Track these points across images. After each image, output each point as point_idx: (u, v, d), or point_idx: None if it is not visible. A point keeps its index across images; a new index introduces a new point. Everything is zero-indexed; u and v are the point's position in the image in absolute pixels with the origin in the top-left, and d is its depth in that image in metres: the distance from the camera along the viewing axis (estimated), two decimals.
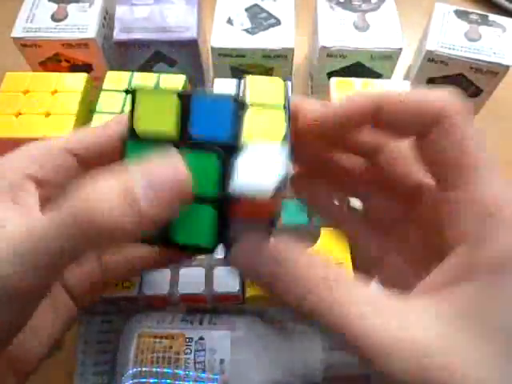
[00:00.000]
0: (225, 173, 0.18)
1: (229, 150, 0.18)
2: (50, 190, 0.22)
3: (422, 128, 0.19)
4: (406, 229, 0.23)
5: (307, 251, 0.18)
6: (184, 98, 0.18)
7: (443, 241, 0.19)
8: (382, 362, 0.16)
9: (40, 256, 0.17)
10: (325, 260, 0.18)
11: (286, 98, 0.20)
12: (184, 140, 0.18)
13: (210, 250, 0.19)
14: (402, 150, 0.23)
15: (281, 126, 0.19)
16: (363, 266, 0.26)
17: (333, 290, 0.17)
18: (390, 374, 0.15)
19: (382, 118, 0.20)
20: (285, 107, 0.20)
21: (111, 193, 0.16)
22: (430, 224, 0.21)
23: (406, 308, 0.17)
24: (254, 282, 0.19)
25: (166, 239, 0.19)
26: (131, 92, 0.19)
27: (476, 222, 0.18)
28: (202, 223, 0.19)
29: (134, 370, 0.33)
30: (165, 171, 0.17)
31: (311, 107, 0.22)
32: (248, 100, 0.20)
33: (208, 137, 0.18)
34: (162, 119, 0.18)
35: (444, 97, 0.19)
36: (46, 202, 0.21)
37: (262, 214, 0.18)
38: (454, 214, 0.19)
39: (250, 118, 0.19)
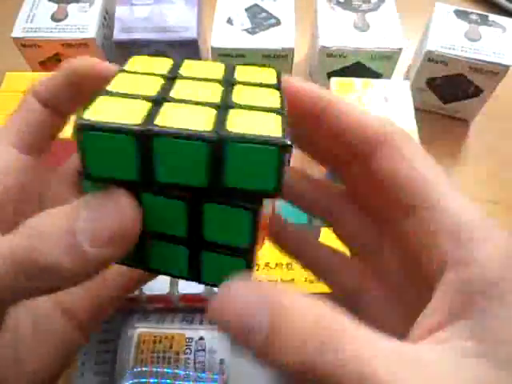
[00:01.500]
0: (193, 215, 0.16)
1: (202, 192, 0.16)
2: (11, 190, 0.21)
3: (371, 143, 0.19)
4: (381, 258, 0.22)
5: (297, 292, 0.15)
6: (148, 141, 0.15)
7: (422, 266, 0.18)
8: None
9: None
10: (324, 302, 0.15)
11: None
12: (147, 183, 0.16)
13: (187, 278, 0.19)
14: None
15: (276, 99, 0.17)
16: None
17: (351, 344, 0.14)
18: None
19: (328, 120, 0.20)
20: (278, 89, 0.18)
21: (54, 232, 0.16)
22: (405, 254, 0.20)
23: (431, 358, 0.15)
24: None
25: (143, 264, 0.19)
26: (76, 129, 0.16)
27: (452, 243, 0.17)
28: (176, 258, 0.18)
29: (134, 370, 0.33)
30: (111, 213, 0.16)
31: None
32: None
33: (244, 186, 0.15)
34: (119, 163, 0.16)
35: (386, 120, 0.19)
36: None
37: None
38: (427, 238, 0.18)
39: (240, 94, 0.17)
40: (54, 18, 0.50)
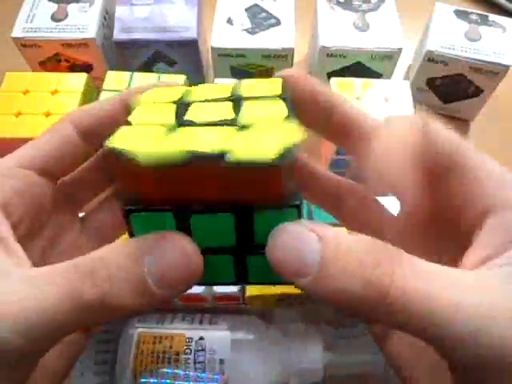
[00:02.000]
0: (241, 227, 0.18)
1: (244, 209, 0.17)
2: (25, 212, 0.21)
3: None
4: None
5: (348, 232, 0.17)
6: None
7: (462, 218, 0.19)
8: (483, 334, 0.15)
9: (40, 328, 0.16)
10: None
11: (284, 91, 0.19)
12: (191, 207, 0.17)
13: (234, 283, 0.20)
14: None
15: (282, 108, 0.18)
16: None
17: (411, 266, 0.16)
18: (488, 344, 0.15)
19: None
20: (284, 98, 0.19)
21: (124, 276, 0.16)
22: (440, 213, 0.21)
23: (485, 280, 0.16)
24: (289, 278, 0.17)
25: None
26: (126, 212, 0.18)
27: (496, 190, 0.18)
28: (222, 268, 0.19)
29: (134, 369, 0.33)
30: (177, 259, 0.17)
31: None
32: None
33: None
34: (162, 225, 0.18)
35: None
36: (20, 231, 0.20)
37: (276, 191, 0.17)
38: (468, 188, 0.19)
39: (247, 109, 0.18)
40: (54, 18, 0.50)
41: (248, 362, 0.33)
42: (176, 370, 0.32)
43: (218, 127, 0.17)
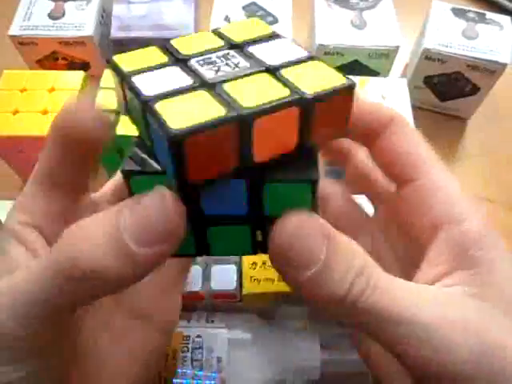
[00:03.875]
0: (253, 192, 0.17)
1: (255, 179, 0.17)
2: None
3: (376, 127, 0.21)
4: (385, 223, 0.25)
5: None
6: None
7: (416, 229, 0.21)
8: (445, 353, 0.16)
9: (32, 308, 0.16)
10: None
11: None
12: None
13: (253, 253, 0.19)
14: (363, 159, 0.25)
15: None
16: None
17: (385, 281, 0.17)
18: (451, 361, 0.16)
19: None
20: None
21: (97, 235, 0.15)
22: (401, 221, 0.22)
23: (438, 294, 0.18)
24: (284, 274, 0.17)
25: (202, 252, 0.19)
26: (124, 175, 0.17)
27: (443, 208, 0.19)
28: (238, 239, 0.19)
29: None
30: (155, 209, 0.15)
31: None
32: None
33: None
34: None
35: (389, 108, 0.22)
36: None
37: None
38: (422, 205, 0.20)
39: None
40: (52, 15, 0.49)
41: (245, 360, 0.33)
42: (173, 368, 0.33)
43: (259, 74, 0.17)
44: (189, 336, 0.33)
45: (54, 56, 0.50)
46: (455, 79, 0.51)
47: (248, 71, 0.17)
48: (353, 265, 0.17)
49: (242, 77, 0.16)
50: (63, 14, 0.50)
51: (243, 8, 0.51)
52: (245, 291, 0.34)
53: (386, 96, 0.45)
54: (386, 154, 0.21)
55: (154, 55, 0.18)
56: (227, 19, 0.50)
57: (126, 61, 0.18)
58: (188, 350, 0.33)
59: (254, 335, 0.34)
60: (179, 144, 0.14)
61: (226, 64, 0.17)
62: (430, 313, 0.17)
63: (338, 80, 0.16)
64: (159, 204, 0.15)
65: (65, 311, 0.17)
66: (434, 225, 0.20)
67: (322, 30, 0.49)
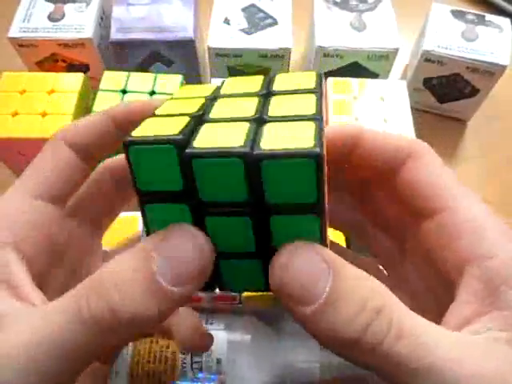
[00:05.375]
0: (259, 229, 0.17)
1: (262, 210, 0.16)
2: (40, 243, 0.20)
3: (399, 159, 0.20)
4: (402, 269, 0.22)
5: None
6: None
7: (442, 267, 0.19)
8: None
9: (53, 362, 0.15)
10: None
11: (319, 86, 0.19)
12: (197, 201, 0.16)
13: (266, 290, 0.18)
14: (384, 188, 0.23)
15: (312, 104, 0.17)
16: None
17: (408, 318, 0.15)
18: None
19: (362, 147, 0.20)
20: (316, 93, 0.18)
21: (131, 281, 0.15)
22: (425, 255, 0.20)
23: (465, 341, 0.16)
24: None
25: (219, 285, 0.19)
26: (124, 145, 0.16)
27: (472, 242, 0.18)
28: (249, 273, 0.18)
29: (131, 370, 0.33)
30: (189, 251, 0.16)
31: None
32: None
33: (287, 201, 0.16)
34: (165, 176, 0.16)
35: (409, 138, 0.21)
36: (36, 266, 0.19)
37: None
38: (447, 239, 0.18)
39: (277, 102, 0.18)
40: (51, 17, 0.50)
41: (245, 362, 0.33)
42: (173, 370, 0.32)
43: (239, 123, 0.16)
44: None
45: (54, 58, 0.50)
46: (454, 81, 0.51)
47: (235, 116, 0.17)
48: (366, 304, 0.15)
49: (225, 120, 0.17)
50: (63, 16, 0.50)
51: (242, 10, 0.51)
52: (244, 293, 0.34)
53: (386, 98, 0.45)
54: (407, 188, 0.20)
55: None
56: (227, 21, 0.50)
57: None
58: (188, 352, 0.33)
59: (253, 337, 0.34)
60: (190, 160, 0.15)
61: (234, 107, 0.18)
62: (467, 365, 0.15)
63: (302, 143, 0.15)
64: (193, 244, 0.16)
65: (91, 361, 0.16)
66: (461, 260, 0.18)
67: (321, 31, 0.49)
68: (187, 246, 0.16)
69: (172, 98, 0.20)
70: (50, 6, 0.51)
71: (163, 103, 0.19)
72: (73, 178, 0.21)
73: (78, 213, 0.22)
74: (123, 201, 0.24)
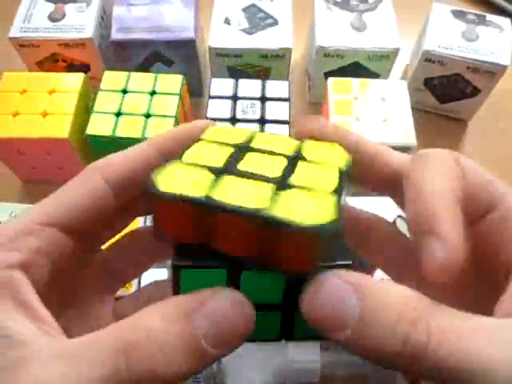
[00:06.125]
0: (290, 283, 0.17)
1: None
2: (47, 271, 0.18)
3: (480, 210, 0.19)
4: None
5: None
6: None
7: (495, 262, 0.19)
8: None
9: None
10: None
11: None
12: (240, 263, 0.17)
13: (279, 339, 0.19)
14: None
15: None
16: None
17: (444, 319, 0.15)
18: None
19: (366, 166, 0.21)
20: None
21: (172, 342, 0.15)
22: (477, 249, 0.20)
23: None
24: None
25: None
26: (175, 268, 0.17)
27: None
28: (267, 324, 0.18)
29: None
30: (230, 311, 0.16)
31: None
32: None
33: None
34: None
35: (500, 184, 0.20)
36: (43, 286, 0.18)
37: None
38: (501, 235, 0.18)
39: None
40: (52, 18, 0.49)
41: (245, 362, 0.33)
42: None
43: (263, 182, 0.17)
44: None
45: (54, 58, 0.50)
46: (455, 81, 0.51)
47: (259, 176, 0.17)
48: (402, 318, 0.15)
49: (249, 177, 0.17)
50: (63, 16, 0.50)
51: (243, 10, 0.51)
52: None
53: (386, 98, 0.45)
54: (486, 242, 0.19)
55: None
56: (227, 21, 0.50)
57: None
58: None
59: None
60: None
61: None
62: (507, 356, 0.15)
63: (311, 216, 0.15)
64: (234, 305, 0.16)
65: None
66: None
67: (322, 32, 0.49)
68: (231, 310, 0.16)
69: (200, 140, 0.20)
70: (51, 6, 0.51)
71: (204, 132, 0.20)
72: (98, 212, 0.19)
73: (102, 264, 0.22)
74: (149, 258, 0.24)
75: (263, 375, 0.33)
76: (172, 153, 0.20)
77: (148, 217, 0.35)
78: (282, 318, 0.18)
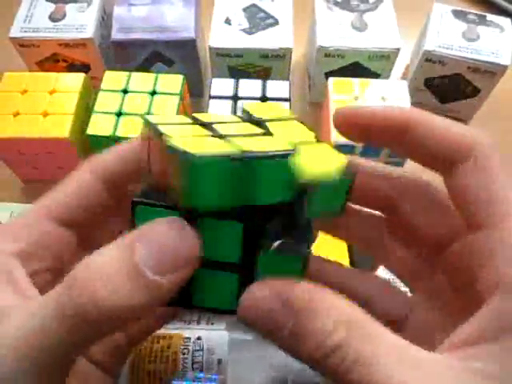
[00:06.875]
0: (248, 240, 0.17)
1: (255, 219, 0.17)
2: (47, 262, 0.20)
3: (451, 159, 0.18)
4: (432, 281, 0.21)
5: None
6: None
7: (474, 291, 0.18)
8: None
9: (41, 354, 0.15)
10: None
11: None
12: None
13: (232, 312, 0.18)
14: (420, 199, 0.21)
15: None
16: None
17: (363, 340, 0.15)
18: None
19: (412, 136, 0.19)
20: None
21: (115, 272, 0.15)
22: (459, 273, 0.19)
23: (435, 366, 0.15)
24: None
25: (186, 302, 0.19)
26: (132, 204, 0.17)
27: (507, 267, 0.16)
28: (223, 289, 0.18)
29: (131, 370, 0.33)
30: (169, 235, 0.16)
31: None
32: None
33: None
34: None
35: (476, 134, 0.19)
36: (42, 276, 0.19)
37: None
38: (486, 257, 0.17)
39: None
40: (52, 17, 0.49)
41: (246, 362, 0.33)
42: (174, 370, 0.32)
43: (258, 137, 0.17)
44: (189, 338, 0.33)
45: (55, 58, 0.50)
46: (456, 81, 0.51)
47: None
48: (325, 340, 0.15)
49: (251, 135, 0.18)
50: (64, 16, 0.50)
51: (243, 10, 0.51)
52: None
53: (387, 98, 0.45)
54: (460, 190, 0.18)
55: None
56: (228, 21, 0.50)
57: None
58: (188, 352, 0.33)
59: (254, 337, 0.34)
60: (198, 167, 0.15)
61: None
62: None
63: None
64: (177, 232, 0.16)
65: (76, 355, 0.17)
66: (493, 283, 0.16)
67: (322, 32, 0.49)
68: (171, 233, 0.16)
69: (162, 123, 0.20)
70: (51, 6, 0.51)
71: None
72: (93, 206, 0.20)
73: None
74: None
75: (263, 375, 0.33)
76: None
77: None
78: (239, 284, 0.18)
